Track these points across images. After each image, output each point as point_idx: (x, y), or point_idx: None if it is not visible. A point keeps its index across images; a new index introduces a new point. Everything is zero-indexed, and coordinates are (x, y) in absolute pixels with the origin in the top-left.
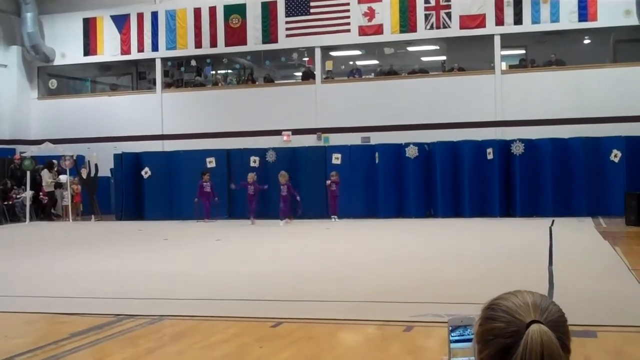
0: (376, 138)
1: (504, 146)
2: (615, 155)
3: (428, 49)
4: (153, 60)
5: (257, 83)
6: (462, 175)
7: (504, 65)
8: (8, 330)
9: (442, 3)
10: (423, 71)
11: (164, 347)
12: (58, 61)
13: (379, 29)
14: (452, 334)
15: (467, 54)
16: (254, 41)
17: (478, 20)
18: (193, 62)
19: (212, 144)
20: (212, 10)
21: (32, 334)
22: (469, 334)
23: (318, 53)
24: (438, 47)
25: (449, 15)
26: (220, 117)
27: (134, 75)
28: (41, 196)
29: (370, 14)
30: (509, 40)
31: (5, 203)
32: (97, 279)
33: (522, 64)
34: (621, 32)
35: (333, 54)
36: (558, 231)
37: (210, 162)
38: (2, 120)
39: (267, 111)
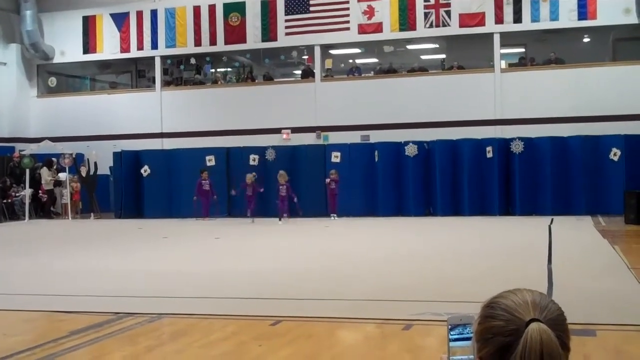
0: (375, 136)
1: (503, 144)
2: (615, 154)
3: (427, 47)
4: (152, 58)
5: (256, 81)
6: (462, 173)
7: (503, 64)
8: (7, 328)
9: (441, 1)
10: (422, 69)
11: (163, 345)
12: (57, 59)
13: (378, 27)
14: (452, 333)
15: (467, 53)
16: (253, 39)
17: (478, 19)
18: (192, 60)
19: (211, 142)
20: (212, 8)
21: (32, 332)
22: (468, 333)
23: (317, 51)
24: (437, 46)
25: (448, 13)
26: (219, 115)
27: (133, 73)
28: (40, 194)
29: (370, 12)
30: (508, 39)
31: (5, 201)
32: (96, 277)
33: (522, 63)
34: (621, 30)
35: (332, 52)
36: (557, 230)
37: (210, 161)
38: (1, 118)
39: (266, 109)
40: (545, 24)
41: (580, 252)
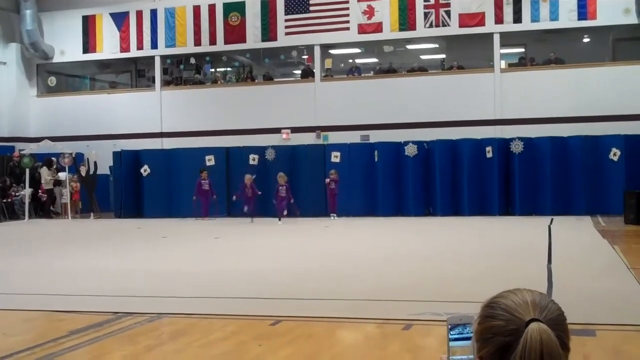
0: (375, 136)
1: (503, 144)
2: (615, 154)
3: (427, 47)
4: (152, 58)
5: (256, 81)
6: (462, 173)
7: (503, 64)
8: (7, 328)
9: (441, 1)
10: (422, 69)
11: (162, 345)
12: (57, 59)
13: (378, 27)
14: (451, 332)
15: (467, 52)
16: (253, 39)
17: (477, 19)
18: (192, 60)
19: (211, 141)
20: (212, 8)
21: (31, 331)
22: (468, 332)
23: (317, 51)
24: (437, 46)
25: (448, 13)
26: (219, 115)
27: (133, 73)
28: (40, 194)
29: (370, 12)
30: (508, 39)
31: (4, 200)
32: (96, 276)
33: (522, 63)
34: (620, 30)
35: (332, 52)
36: (557, 230)
37: (210, 160)
38: (1, 118)
39: (266, 109)
40: (545, 24)
41: (580, 252)
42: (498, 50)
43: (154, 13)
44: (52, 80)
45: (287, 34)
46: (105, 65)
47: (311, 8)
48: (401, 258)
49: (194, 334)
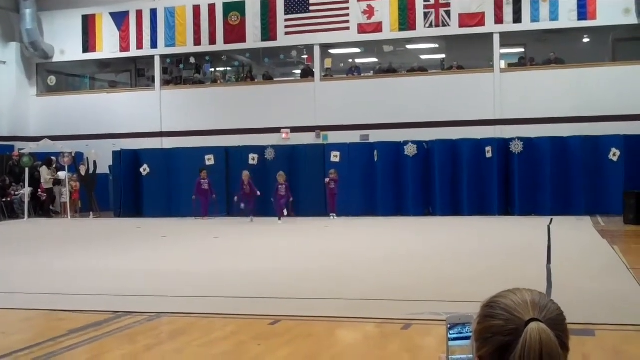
0: (375, 136)
1: (502, 144)
2: (614, 154)
3: (427, 47)
4: (152, 57)
5: (256, 81)
6: (461, 173)
7: (503, 64)
8: (6, 327)
9: (441, 1)
10: (422, 69)
11: (162, 345)
12: (57, 58)
13: (378, 27)
14: (451, 332)
15: (467, 52)
16: (253, 39)
17: (477, 19)
18: (192, 60)
19: (210, 141)
20: (211, 8)
21: (30, 330)
22: (467, 332)
23: (317, 51)
24: (437, 46)
25: (448, 13)
26: (219, 114)
27: (132, 73)
28: (40, 193)
29: (370, 12)
30: (508, 39)
31: (4, 200)
32: (95, 276)
33: (522, 63)
34: (620, 30)
35: (332, 51)
36: (556, 230)
37: (209, 160)
38: (0, 117)
39: (266, 109)
40: (545, 24)
41: (580, 252)
42: (498, 50)
43: (153, 12)
44: (52, 80)
45: (287, 33)
46: (105, 64)
47: (311, 8)
48: (401, 258)
49: (193, 333)
